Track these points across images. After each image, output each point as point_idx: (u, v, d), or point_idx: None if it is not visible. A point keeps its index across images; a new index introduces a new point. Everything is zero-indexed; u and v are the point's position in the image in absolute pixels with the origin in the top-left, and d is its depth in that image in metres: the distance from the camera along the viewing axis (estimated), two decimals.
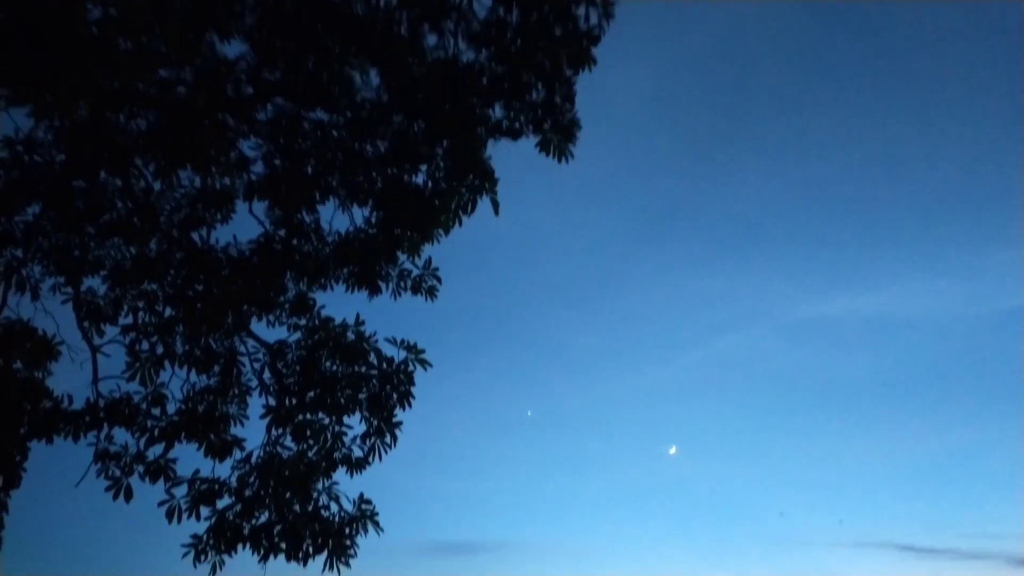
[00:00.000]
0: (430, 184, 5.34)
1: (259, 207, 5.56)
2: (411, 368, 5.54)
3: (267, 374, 5.62)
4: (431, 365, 5.54)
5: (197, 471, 5.46)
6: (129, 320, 5.71)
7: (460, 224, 5.42)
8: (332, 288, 5.65)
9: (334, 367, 5.61)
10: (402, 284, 5.70)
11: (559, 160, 5.12)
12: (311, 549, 5.23)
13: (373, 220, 5.52)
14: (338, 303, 5.78)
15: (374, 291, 5.64)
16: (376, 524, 5.32)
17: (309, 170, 5.34)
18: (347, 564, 5.20)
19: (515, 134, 5.13)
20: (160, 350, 5.57)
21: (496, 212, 5.26)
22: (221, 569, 5.20)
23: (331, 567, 5.18)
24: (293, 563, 5.20)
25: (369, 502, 5.34)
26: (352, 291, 5.70)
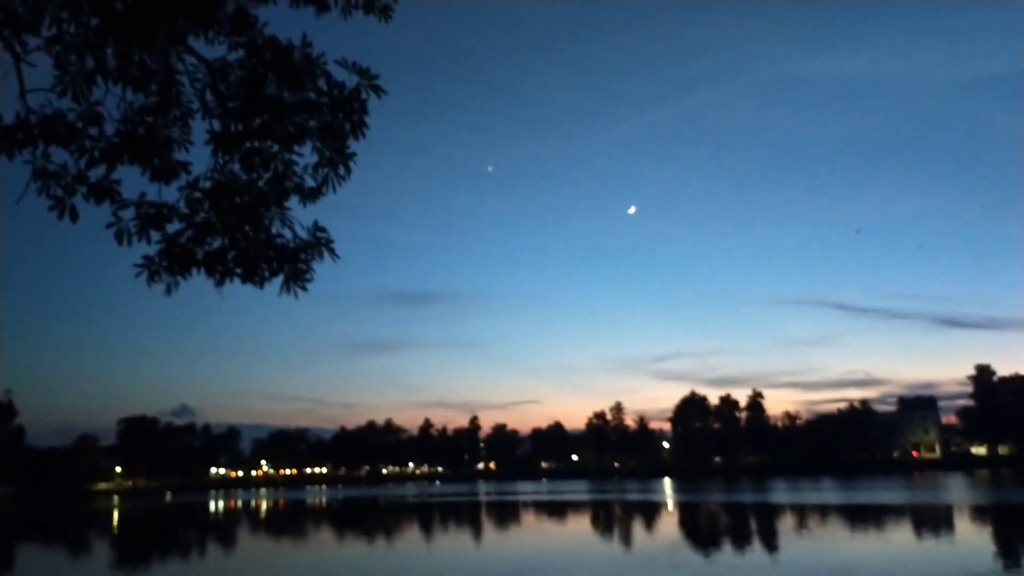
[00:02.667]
0: None
1: None
2: (364, 96, 5.26)
3: (209, 96, 5.28)
4: (385, 92, 5.25)
5: (143, 194, 5.32)
6: (53, 31, 5.22)
7: None
8: (275, 2, 5.14)
9: (281, 92, 5.28)
10: (352, 0, 5.21)
11: None
12: (267, 273, 5.31)
13: None
14: (282, 23, 5.32)
15: (322, 7, 5.17)
16: (332, 251, 5.36)
17: None
18: (304, 288, 5.32)
19: None
20: (91, 64, 5.15)
21: None
22: (176, 289, 5.28)
23: (288, 290, 5.31)
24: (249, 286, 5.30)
25: (324, 230, 5.34)
26: (298, 6, 5.22)
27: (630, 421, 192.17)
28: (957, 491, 63.03)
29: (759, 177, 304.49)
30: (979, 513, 41.00)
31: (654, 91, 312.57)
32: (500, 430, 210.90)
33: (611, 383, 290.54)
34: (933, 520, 37.96)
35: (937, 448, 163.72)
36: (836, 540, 29.86)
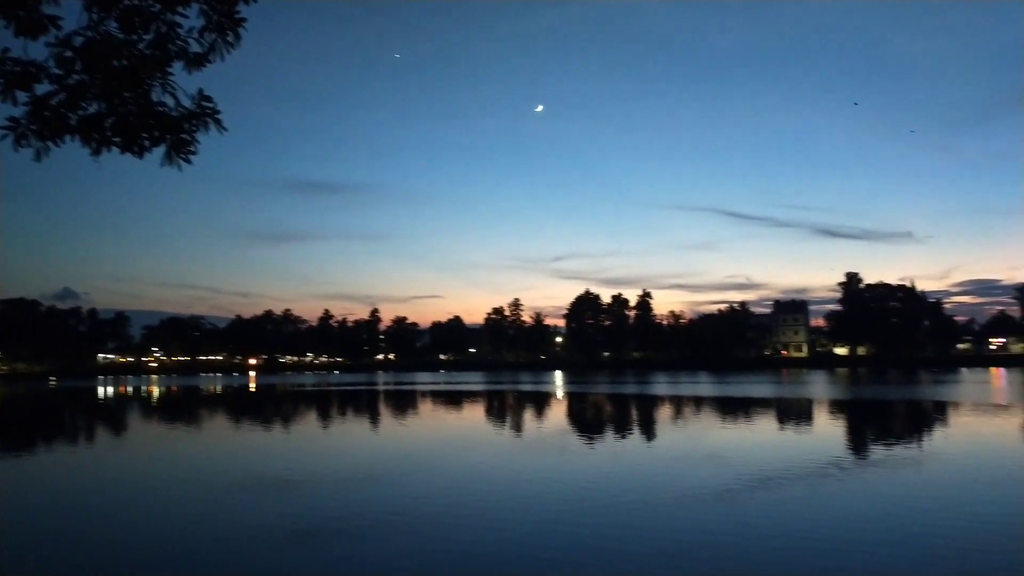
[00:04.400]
0: None
1: None
2: None
3: None
4: None
5: (7, 50, 4.88)
6: None
7: None
8: None
9: None
10: None
11: None
12: (147, 143, 5.05)
13: None
14: None
15: None
16: (219, 123, 5.13)
17: None
18: (188, 160, 5.11)
19: None
20: None
21: None
22: (47, 156, 4.96)
23: (171, 161, 5.08)
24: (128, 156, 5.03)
25: (210, 99, 5.09)
26: None
27: (527, 317, 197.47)
28: (818, 387, 68.98)
29: (660, 82, 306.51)
30: (836, 406, 45.20)
31: None
32: (401, 323, 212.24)
33: (511, 280, 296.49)
34: (795, 412, 41.60)
35: (804, 348, 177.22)
36: (708, 428, 32.34)
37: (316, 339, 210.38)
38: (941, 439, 27.19)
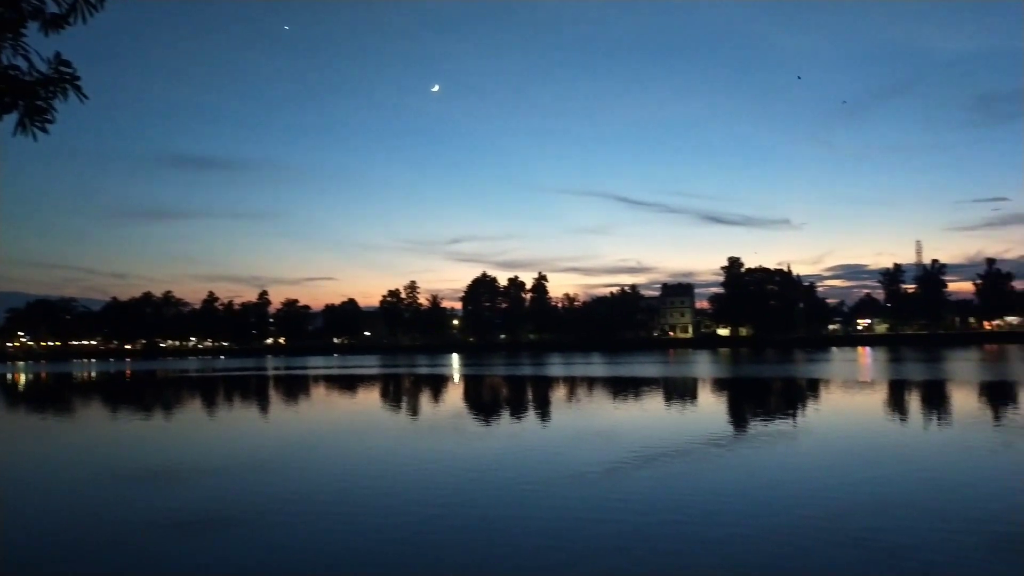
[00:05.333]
0: None
1: None
2: None
3: None
4: None
5: None
6: None
7: None
8: None
9: None
10: None
11: None
12: None
13: None
14: None
15: None
16: (78, 90, 4.71)
17: None
18: (44, 130, 4.67)
19: None
20: None
21: None
22: None
23: (24, 129, 4.62)
24: None
25: (68, 64, 4.66)
26: None
27: (424, 300, 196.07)
28: (702, 366, 72.21)
29: (557, 68, 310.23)
30: (718, 385, 47.45)
31: None
32: (291, 305, 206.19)
33: (407, 262, 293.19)
34: (681, 391, 43.38)
35: (690, 329, 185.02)
36: (600, 408, 33.23)
37: (200, 323, 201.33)
38: (813, 414, 29.04)
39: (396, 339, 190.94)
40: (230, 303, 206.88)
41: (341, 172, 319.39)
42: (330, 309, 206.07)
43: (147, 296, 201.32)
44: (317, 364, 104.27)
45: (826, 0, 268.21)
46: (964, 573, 9.43)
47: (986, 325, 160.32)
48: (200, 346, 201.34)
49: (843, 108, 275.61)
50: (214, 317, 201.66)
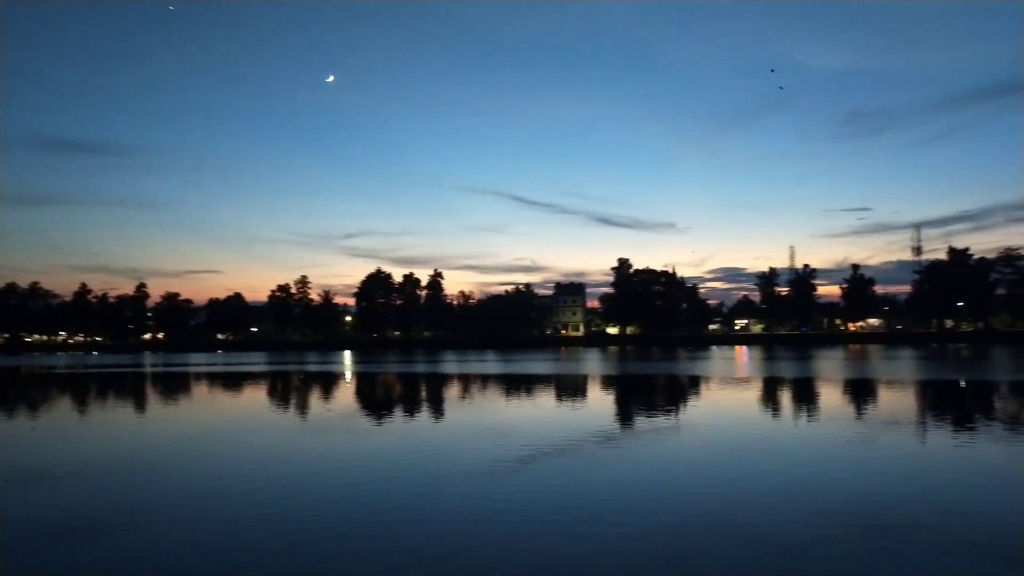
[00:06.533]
0: None
1: None
2: None
3: None
4: None
5: None
6: None
7: None
8: None
9: None
10: None
11: None
12: None
13: None
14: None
15: None
16: None
17: None
18: None
19: None
20: None
21: None
22: None
23: None
24: None
25: None
26: None
27: (315, 295, 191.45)
28: (592, 363, 74.21)
29: (455, 65, 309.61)
30: (607, 381, 48.93)
31: None
32: (172, 299, 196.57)
33: (298, 256, 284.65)
34: (572, 388, 44.46)
35: (581, 328, 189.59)
36: (493, 405, 33.61)
37: (71, 316, 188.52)
38: (694, 410, 30.49)
39: (285, 335, 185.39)
40: (104, 296, 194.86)
41: (228, 160, 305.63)
42: (214, 303, 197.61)
43: (11, 287, 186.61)
44: (199, 361, 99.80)
45: (715, 13, 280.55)
46: (825, 551, 10.28)
47: (851, 326, 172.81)
48: (71, 341, 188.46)
49: (727, 118, 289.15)
50: (87, 310, 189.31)
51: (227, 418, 30.93)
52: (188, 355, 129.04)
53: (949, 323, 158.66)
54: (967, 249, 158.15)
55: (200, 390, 47.78)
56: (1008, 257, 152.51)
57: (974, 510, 12.64)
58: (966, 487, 14.47)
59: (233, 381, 55.14)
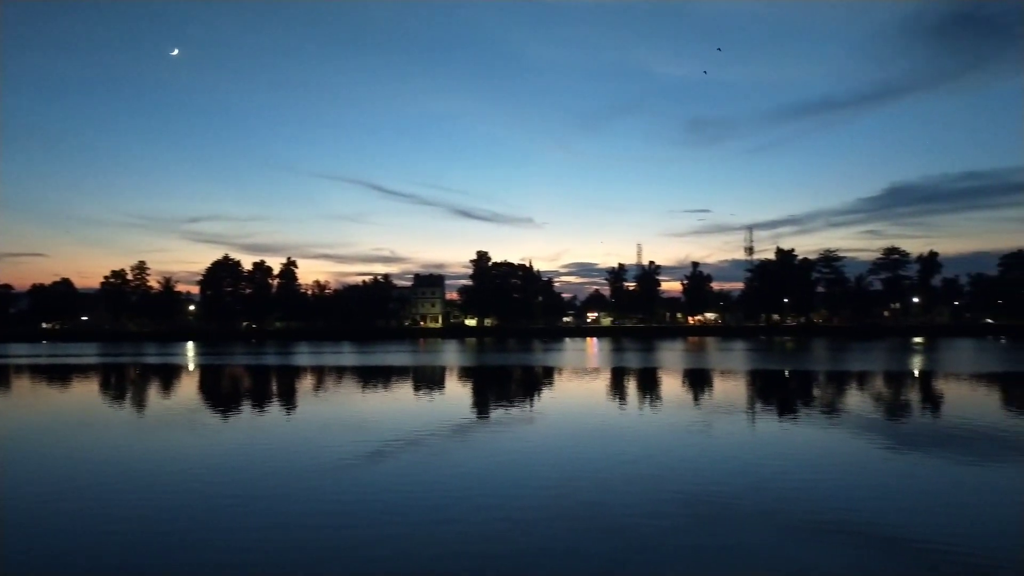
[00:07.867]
0: None
1: None
2: None
3: None
4: None
5: None
6: None
7: None
8: None
9: None
10: None
11: None
12: None
13: None
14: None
15: None
16: None
17: None
18: None
19: None
20: None
21: None
22: None
23: None
24: None
25: None
26: None
27: (154, 282, 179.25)
28: (451, 355, 74.63)
29: (318, 51, 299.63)
30: (465, 373, 49.41)
31: None
32: None
33: (135, 240, 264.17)
34: (430, 379, 44.55)
35: (440, 319, 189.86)
36: (349, 397, 33.08)
37: None
38: (548, 400, 31.50)
39: (121, 325, 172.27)
40: None
41: (55, 134, 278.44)
42: (38, 290, 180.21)
43: None
44: (20, 352, 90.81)
45: (576, 17, 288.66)
46: (662, 523, 11.09)
47: (690, 320, 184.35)
48: None
49: (583, 119, 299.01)
50: None
51: (52, 416, 28.37)
52: (7, 346, 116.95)
53: (776, 317, 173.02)
54: (792, 250, 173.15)
55: (21, 384, 43.52)
56: (827, 259, 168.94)
57: (783, 485, 14.13)
58: (780, 464, 16.10)
59: (60, 374, 50.64)
